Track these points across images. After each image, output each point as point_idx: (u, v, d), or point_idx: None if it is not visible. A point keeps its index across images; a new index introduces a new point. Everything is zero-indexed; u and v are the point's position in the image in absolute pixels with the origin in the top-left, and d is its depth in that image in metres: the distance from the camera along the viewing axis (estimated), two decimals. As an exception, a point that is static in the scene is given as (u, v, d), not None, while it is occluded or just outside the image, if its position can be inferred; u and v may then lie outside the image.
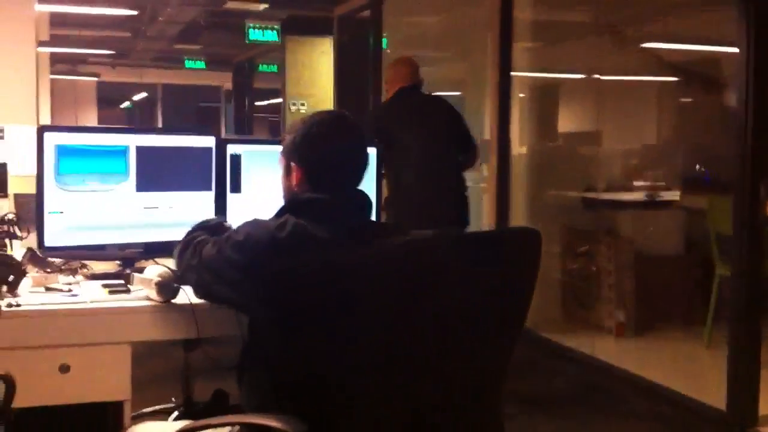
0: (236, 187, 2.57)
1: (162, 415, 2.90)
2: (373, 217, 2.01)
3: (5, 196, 3.03)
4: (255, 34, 9.97)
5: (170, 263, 2.28)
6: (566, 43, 8.33)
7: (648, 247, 5.27)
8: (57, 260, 2.41)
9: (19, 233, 2.69)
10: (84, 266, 2.46)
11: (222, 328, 2.13)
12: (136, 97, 20.44)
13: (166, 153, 2.53)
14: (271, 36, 9.94)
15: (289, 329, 1.73)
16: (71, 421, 2.08)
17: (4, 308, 1.99)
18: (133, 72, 16.61)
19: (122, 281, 2.28)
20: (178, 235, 2.28)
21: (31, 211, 2.46)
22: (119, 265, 2.46)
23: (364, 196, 1.92)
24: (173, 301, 2.14)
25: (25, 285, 2.18)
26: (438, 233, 1.70)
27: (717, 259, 4.63)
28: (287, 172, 1.93)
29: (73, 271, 2.41)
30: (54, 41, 9.67)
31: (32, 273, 2.29)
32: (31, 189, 2.45)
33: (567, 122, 10.25)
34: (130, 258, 2.46)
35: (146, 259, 2.46)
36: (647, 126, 7.48)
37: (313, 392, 1.71)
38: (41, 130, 2.36)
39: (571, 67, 9.20)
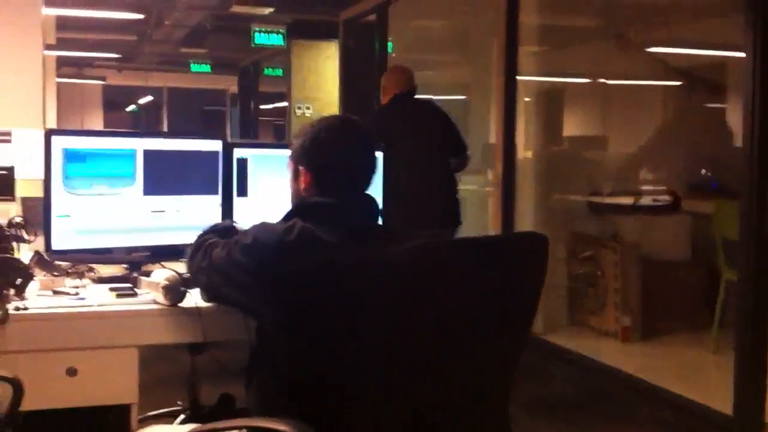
0: (242, 191, 2.57)
1: (168, 418, 2.90)
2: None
3: (12, 199, 3.04)
4: (261, 38, 10.00)
5: (177, 267, 2.29)
6: (572, 48, 8.33)
7: (654, 251, 5.26)
8: (64, 263, 2.42)
9: (26, 237, 2.69)
10: (91, 270, 2.47)
11: (228, 332, 2.14)
12: (142, 101, 20.49)
13: (173, 157, 2.54)
14: (276, 40, 9.97)
15: (295, 332, 1.73)
16: (78, 424, 2.08)
17: (11, 311, 1.99)
18: (139, 75, 16.65)
19: (129, 285, 2.28)
20: (184, 238, 2.30)
21: (39, 215, 2.47)
22: (126, 269, 2.46)
23: (372, 200, 1.93)
24: (180, 304, 2.14)
25: (32, 288, 2.19)
26: (445, 239, 1.71)
27: (723, 264, 4.62)
28: (295, 175, 1.94)
29: (80, 275, 2.41)
30: (60, 44, 9.70)
31: (40, 276, 2.29)
32: (39, 192, 2.46)
33: (572, 127, 10.24)
34: (136, 261, 2.46)
35: (153, 262, 2.47)
36: (653, 130, 7.46)
37: (320, 396, 1.71)
38: (49, 134, 2.36)
39: (576, 71, 9.20)
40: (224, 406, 2.43)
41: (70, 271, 2.40)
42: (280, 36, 9.92)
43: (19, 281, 2.10)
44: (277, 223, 1.84)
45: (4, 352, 1.97)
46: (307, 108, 9.94)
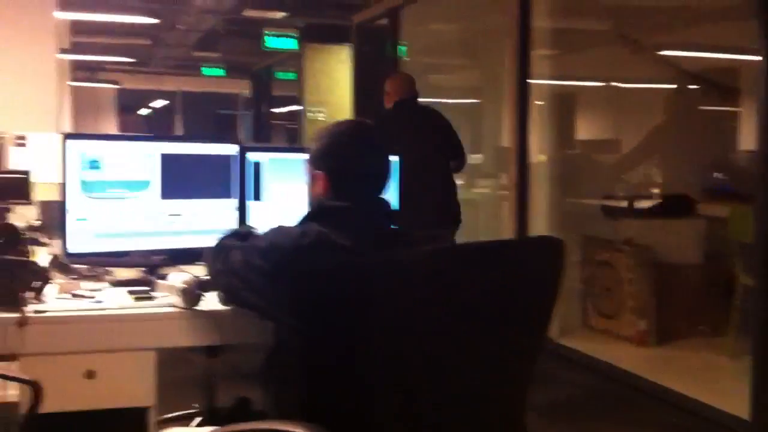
0: (257, 195, 2.58)
1: (184, 420, 2.91)
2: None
3: (30, 203, 3.06)
4: (273, 42, 10.03)
5: (193, 270, 2.30)
6: (584, 52, 8.32)
7: (669, 255, 5.24)
8: (81, 267, 2.43)
9: (43, 240, 2.71)
10: (108, 273, 2.48)
11: (244, 335, 2.15)
12: (155, 104, 20.56)
13: (190, 161, 2.55)
14: (289, 44, 9.99)
15: (310, 336, 1.74)
16: (97, 427, 2.09)
17: (30, 314, 2.01)
18: (152, 79, 16.72)
19: (147, 288, 2.29)
20: (201, 242, 2.30)
21: (56, 218, 2.48)
22: (143, 272, 2.47)
23: (387, 204, 1.95)
24: (196, 307, 2.15)
25: (51, 291, 2.20)
26: (450, 239, 1.71)
27: (740, 268, 4.59)
28: (313, 180, 1.94)
29: (98, 278, 2.43)
30: (74, 48, 9.76)
31: (58, 279, 2.31)
32: (56, 196, 2.48)
33: (585, 130, 10.23)
34: (153, 265, 2.47)
35: (169, 265, 2.48)
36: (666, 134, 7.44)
37: (335, 399, 1.71)
38: (65, 138, 2.38)
39: (589, 75, 9.19)
40: (241, 408, 2.43)
41: (87, 274, 2.42)
42: (294, 40, 9.94)
43: (37, 284, 2.11)
44: (293, 226, 1.86)
45: (23, 354, 1.98)
46: (320, 111, 9.96)
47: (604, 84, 9.56)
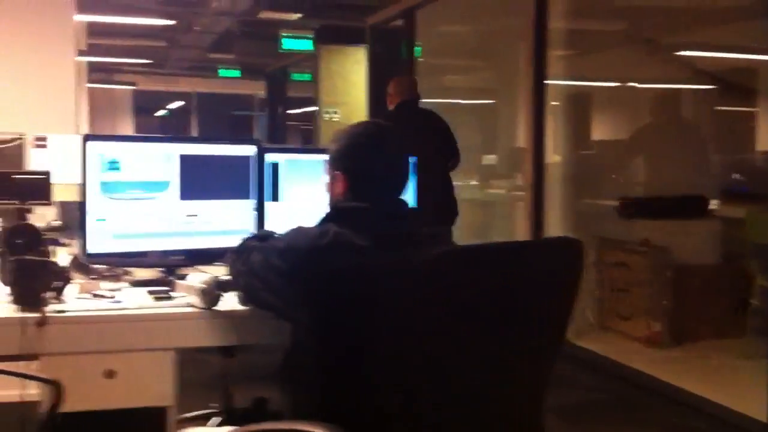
0: (275, 196, 2.59)
1: (201, 420, 2.93)
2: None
3: (49, 203, 3.09)
4: (289, 44, 10.05)
5: (212, 270, 2.32)
6: (600, 52, 8.30)
7: (685, 256, 5.21)
8: (100, 267, 2.45)
9: (63, 240, 2.74)
10: (126, 273, 2.50)
11: (262, 335, 2.16)
12: (172, 106, 20.64)
13: (209, 162, 2.56)
14: (305, 45, 10.01)
15: (327, 335, 1.75)
16: (116, 426, 2.10)
17: (50, 314, 2.03)
18: (168, 81, 16.78)
19: (166, 288, 2.31)
20: (219, 242, 2.32)
21: (76, 219, 2.50)
22: (161, 272, 2.49)
23: (405, 205, 1.96)
24: (215, 308, 2.16)
25: (71, 292, 2.22)
26: (476, 244, 1.71)
27: (756, 270, 4.57)
28: (332, 180, 1.96)
29: (117, 278, 2.45)
30: (91, 50, 9.80)
31: (78, 280, 2.33)
32: (76, 197, 2.50)
33: (601, 131, 10.20)
34: (172, 265, 2.49)
35: (188, 266, 2.49)
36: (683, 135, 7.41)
37: (352, 399, 1.72)
38: (85, 139, 2.40)
39: (605, 75, 9.15)
40: (258, 408, 2.44)
41: (106, 274, 2.44)
42: (309, 41, 9.96)
43: (57, 284, 2.13)
44: (311, 227, 1.87)
45: (43, 354, 2.00)
46: (335, 113, 9.97)
47: (619, 84, 9.52)
